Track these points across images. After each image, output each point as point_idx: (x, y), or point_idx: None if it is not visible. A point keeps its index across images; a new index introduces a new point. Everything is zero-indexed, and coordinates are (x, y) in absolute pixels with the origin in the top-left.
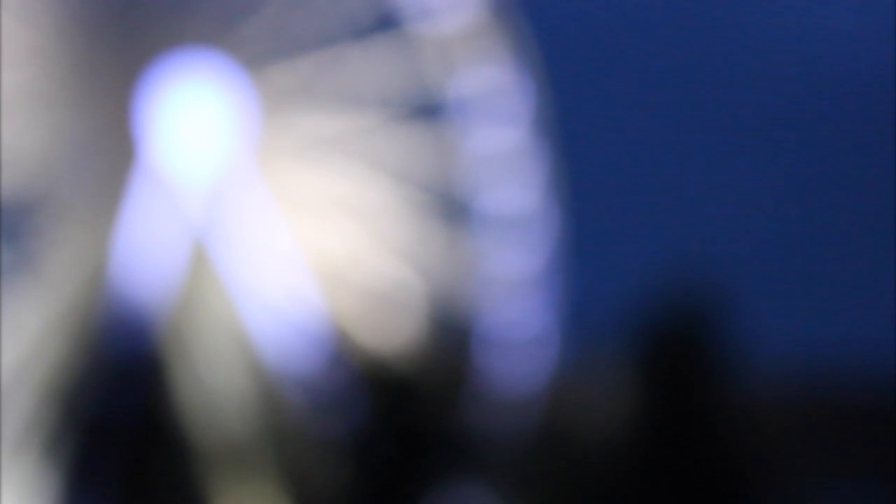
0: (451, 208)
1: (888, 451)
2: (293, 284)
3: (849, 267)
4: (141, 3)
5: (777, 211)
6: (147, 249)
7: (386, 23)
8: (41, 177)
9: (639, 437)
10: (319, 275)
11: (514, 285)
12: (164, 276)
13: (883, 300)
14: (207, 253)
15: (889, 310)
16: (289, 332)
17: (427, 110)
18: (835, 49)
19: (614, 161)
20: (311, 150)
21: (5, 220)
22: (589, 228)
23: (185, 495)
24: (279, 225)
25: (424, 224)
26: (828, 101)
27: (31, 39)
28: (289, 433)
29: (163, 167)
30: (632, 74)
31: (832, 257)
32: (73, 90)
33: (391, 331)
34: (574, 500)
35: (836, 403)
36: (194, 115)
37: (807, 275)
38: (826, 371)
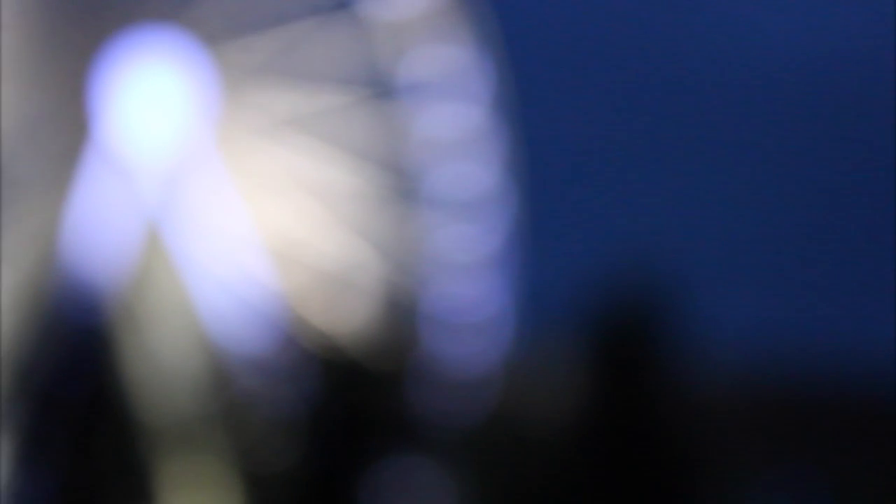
0: (407, 189)
1: (833, 441)
2: (246, 263)
3: (797, 260)
4: None
5: (728, 203)
6: (101, 226)
7: (344, 3)
8: None
9: (587, 424)
10: (273, 254)
11: (468, 267)
12: (117, 252)
13: (830, 294)
14: (161, 231)
15: (836, 303)
16: (241, 311)
17: (385, 91)
18: (781, 44)
19: (568, 150)
20: (266, 129)
21: None
22: (543, 215)
23: (133, 469)
24: (233, 203)
25: (379, 204)
26: (773, 92)
27: None
28: (238, 411)
29: (119, 145)
30: (591, 63)
31: (781, 250)
32: (30, 67)
33: (344, 311)
34: (521, 484)
35: (783, 393)
36: (151, 93)
37: (755, 267)
38: (774, 361)
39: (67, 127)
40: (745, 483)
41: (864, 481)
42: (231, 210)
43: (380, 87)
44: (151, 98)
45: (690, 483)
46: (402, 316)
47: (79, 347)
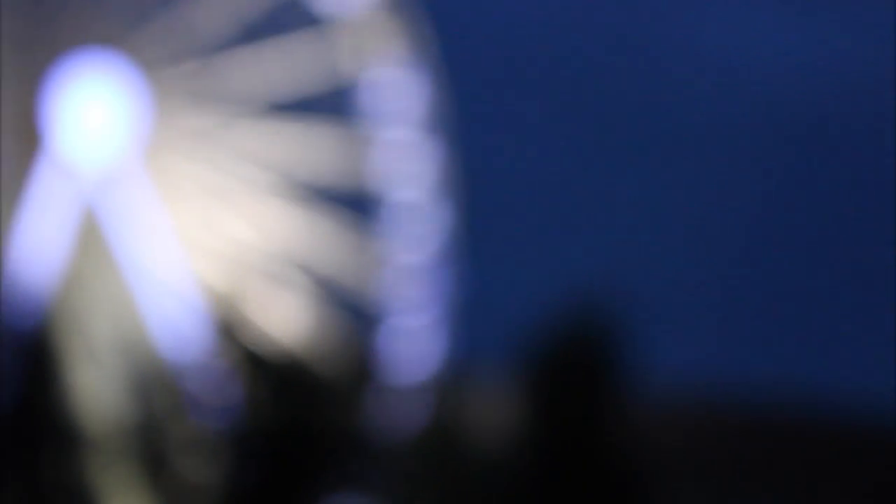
0: (350, 198)
1: (781, 466)
2: (183, 269)
3: (746, 286)
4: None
5: (677, 229)
6: (41, 231)
7: (281, 20)
8: None
9: (529, 442)
10: (212, 260)
11: (409, 275)
12: (55, 258)
13: (778, 323)
14: (99, 237)
15: (783, 329)
16: (179, 314)
17: (324, 103)
18: (749, 66)
19: (526, 175)
20: (204, 138)
21: None
22: (493, 236)
23: (61, 472)
24: (173, 211)
25: (322, 213)
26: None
27: None
28: (174, 416)
29: (61, 154)
30: (544, 84)
31: (731, 276)
32: None
33: (282, 318)
34: (461, 495)
35: (727, 419)
36: (93, 107)
37: (702, 294)
38: (719, 387)
39: (15, 136)
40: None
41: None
42: (169, 217)
43: (320, 101)
44: (92, 111)
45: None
46: (344, 320)
47: (12, 350)
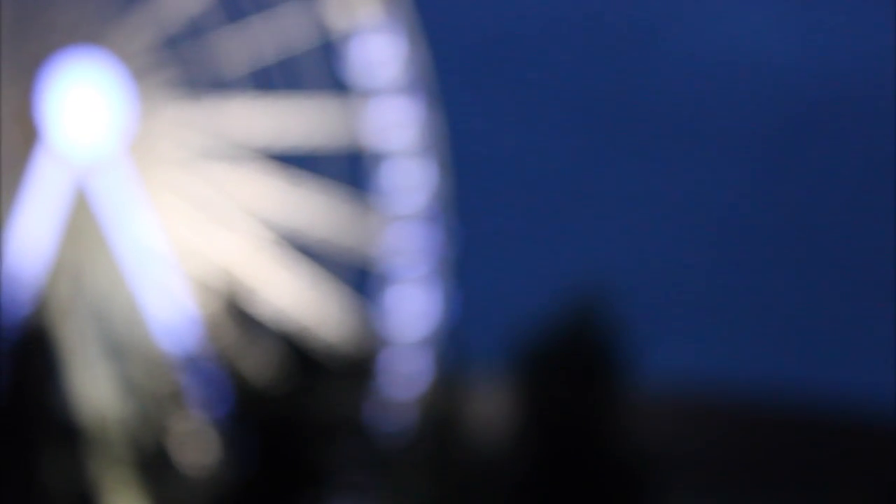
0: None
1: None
2: (175, 259)
3: (738, 286)
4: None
5: (673, 225)
6: (35, 222)
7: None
8: None
9: (525, 440)
10: (204, 249)
11: (406, 287)
12: (48, 249)
13: (774, 320)
14: (92, 227)
15: (780, 326)
16: (170, 308)
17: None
18: (747, 68)
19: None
20: (189, 126)
21: None
22: (484, 237)
23: (58, 467)
24: (162, 201)
25: (315, 186)
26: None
27: None
28: (165, 410)
29: (55, 145)
30: (537, 87)
31: (722, 274)
32: None
33: (279, 301)
34: (457, 498)
35: (723, 414)
36: (83, 100)
37: (694, 293)
38: (715, 384)
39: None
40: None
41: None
42: (154, 205)
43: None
44: (82, 104)
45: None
46: (343, 332)
47: (7, 345)
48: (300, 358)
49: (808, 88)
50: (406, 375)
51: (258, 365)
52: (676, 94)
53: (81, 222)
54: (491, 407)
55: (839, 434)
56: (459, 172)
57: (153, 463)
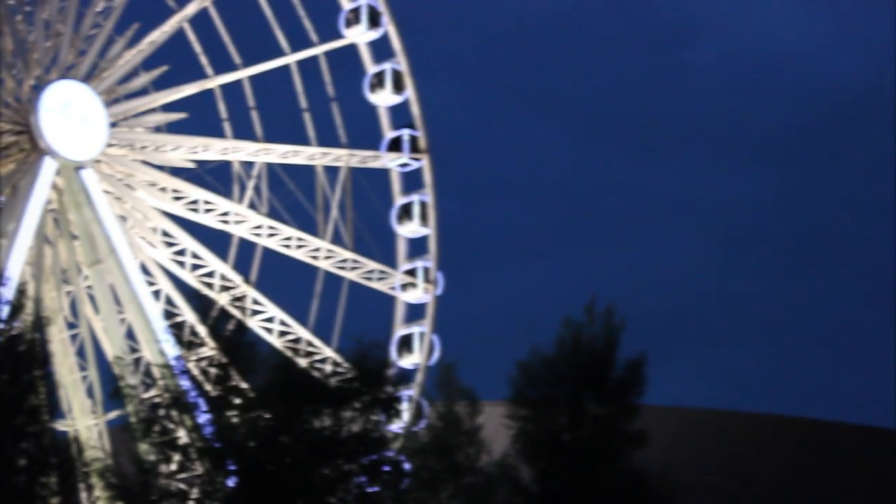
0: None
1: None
2: (167, 265)
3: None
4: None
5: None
6: (25, 225)
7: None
8: None
9: (528, 451)
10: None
11: (412, 307)
12: (37, 252)
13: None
14: (82, 231)
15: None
16: (162, 314)
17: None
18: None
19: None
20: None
21: None
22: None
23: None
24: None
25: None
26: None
27: None
28: (159, 419)
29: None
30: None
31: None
32: None
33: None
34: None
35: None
36: (69, 116)
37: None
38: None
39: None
40: None
41: None
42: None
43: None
44: (68, 120)
45: None
46: (340, 350)
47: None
48: (295, 375)
49: (843, 83)
50: (408, 396)
51: (251, 380)
52: (706, 94)
53: (67, 230)
54: (493, 426)
55: (852, 437)
56: (466, 177)
57: (147, 470)
